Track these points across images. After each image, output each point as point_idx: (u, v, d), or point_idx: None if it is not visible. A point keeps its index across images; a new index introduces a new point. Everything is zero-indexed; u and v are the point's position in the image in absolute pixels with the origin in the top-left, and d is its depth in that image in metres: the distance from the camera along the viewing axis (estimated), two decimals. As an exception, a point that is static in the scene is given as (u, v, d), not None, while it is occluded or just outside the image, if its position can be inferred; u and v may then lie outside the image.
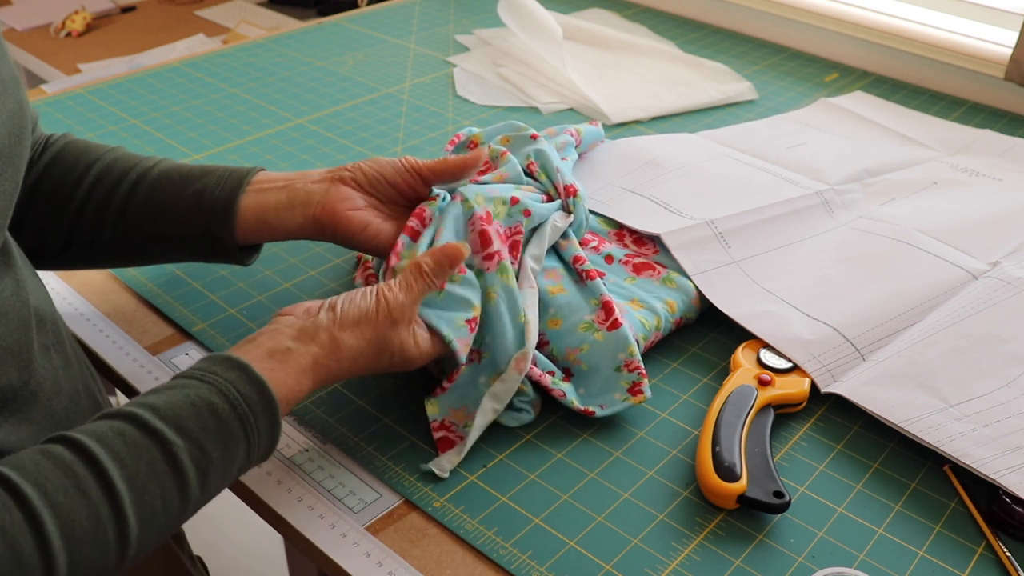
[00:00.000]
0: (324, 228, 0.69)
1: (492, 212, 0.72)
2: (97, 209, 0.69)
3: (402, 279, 0.62)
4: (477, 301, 0.66)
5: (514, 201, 0.74)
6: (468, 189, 0.73)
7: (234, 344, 0.74)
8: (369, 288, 0.61)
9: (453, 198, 0.72)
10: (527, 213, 0.74)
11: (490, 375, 0.67)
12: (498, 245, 0.69)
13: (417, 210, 0.71)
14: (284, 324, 0.59)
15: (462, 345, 0.64)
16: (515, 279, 0.70)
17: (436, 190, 0.74)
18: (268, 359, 0.56)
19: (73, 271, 0.84)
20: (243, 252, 0.71)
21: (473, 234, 0.70)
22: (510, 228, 0.74)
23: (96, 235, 0.70)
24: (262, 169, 0.71)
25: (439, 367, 0.69)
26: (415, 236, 0.70)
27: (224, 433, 0.51)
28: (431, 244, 0.69)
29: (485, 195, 0.73)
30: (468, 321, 0.65)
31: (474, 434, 0.64)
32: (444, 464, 0.64)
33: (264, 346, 0.56)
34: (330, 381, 0.59)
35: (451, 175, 0.72)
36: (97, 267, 0.76)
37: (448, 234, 0.69)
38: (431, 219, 0.71)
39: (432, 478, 0.64)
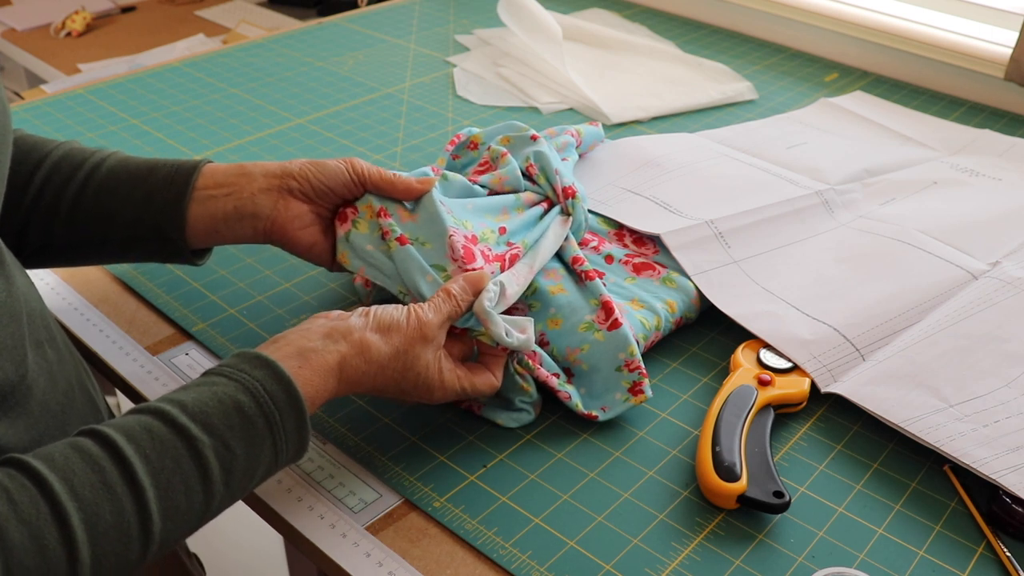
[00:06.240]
0: (273, 241, 0.72)
1: (479, 236, 0.72)
2: (46, 213, 0.69)
3: (431, 301, 0.63)
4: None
5: (502, 231, 0.75)
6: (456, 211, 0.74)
7: (235, 344, 0.75)
8: (402, 305, 0.63)
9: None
10: (514, 246, 0.74)
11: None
12: (481, 262, 0.69)
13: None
14: (315, 324, 0.60)
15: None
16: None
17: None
18: (296, 357, 0.57)
19: (71, 270, 0.84)
20: (194, 254, 0.72)
21: (453, 242, 0.69)
22: (500, 254, 0.72)
23: (48, 237, 0.70)
24: (209, 162, 0.71)
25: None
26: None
27: (249, 431, 0.53)
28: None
29: (472, 221, 0.74)
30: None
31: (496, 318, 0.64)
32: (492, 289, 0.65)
33: (294, 344, 0.58)
34: (358, 386, 0.60)
35: (396, 194, 0.72)
36: (50, 267, 0.75)
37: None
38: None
39: (432, 478, 0.64)
